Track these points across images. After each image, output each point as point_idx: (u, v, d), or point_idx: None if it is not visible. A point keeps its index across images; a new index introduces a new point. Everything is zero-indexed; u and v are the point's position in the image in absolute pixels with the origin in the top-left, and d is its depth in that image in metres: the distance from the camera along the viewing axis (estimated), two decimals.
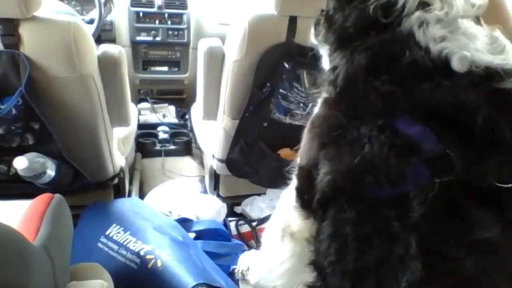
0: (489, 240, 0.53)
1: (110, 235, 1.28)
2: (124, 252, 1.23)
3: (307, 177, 0.70)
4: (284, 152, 1.52)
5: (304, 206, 0.73)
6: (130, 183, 1.88)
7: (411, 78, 0.58)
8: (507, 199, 0.54)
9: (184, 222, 1.45)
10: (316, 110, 0.73)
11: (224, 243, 1.46)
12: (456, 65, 0.56)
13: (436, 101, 0.56)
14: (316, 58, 0.81)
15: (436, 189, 0.53)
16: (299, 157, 0.76)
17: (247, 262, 1.07)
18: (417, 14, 0.60)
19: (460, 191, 0.54)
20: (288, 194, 0.78)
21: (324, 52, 0.76)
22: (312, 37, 0.80)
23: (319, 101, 0.72)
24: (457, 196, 0.54)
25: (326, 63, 0.76)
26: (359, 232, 0.58)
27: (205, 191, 1.85)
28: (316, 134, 0.68)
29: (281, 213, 0.80)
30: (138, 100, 2.19)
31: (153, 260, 1.17)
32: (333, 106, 0.66)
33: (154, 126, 2.41)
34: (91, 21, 1.78)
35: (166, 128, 2.39)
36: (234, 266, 1.45)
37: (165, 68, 2.13)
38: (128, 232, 1.28)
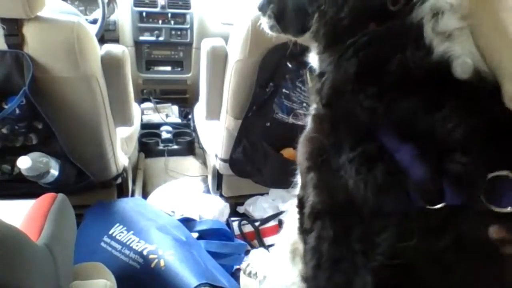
0: None
1: (113, 235, 1.29)
2: (127, 252, 1.23)
3: (302, 204, 0.68)
4: (287, 152, 1.52)
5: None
6: (133, 183, 1.89)
7: (397, 89, 0.50)
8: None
9: (187, 222, 1.46)
10: (308, 125, 0.69)
11: (227, 243, 1.46)
12: (458, 72, 0.48)
13: (418, 122, 0.49)
14: None
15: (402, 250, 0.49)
16: (299, 185, 0.74)
17: (258, 266, 1.06)
18: (432, 1, 0.51)
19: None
20: (294, 217, 0.77)
21: (313, 50, 0.69)
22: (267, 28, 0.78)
23: (310, 114, 0.68)
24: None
25: (315, 63, 0.71)
26: (331, 253, 0.56)
27: (208, 191, 1.85)
28: (304, 159, 0.65)
29: (289, 236, 0.78)
30: (141, 100, 2.19)
31: (156, 260, 1.18)
32: (318, 126, 0.62)
33: (157, 126, 2.42)
34: (94, 21, 1.78)
35: (169, 128, 2.40)
36: (237, 266, 1.45)
37: (168, 68, 2.13)
38: (131, 232, 1.28)
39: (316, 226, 0.60)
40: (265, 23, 0.80)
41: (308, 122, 0.68)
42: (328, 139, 0.58)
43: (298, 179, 0.75)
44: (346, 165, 0.54)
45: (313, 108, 0.66)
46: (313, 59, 0.70)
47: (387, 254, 0.51)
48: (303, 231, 0.68)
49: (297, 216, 0.72)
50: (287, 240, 0.78)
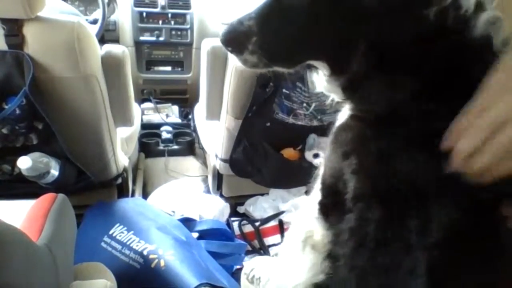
0: None
1: (114, 235, 1.29)
2: (127, 252, 1.23)
3: (330, 190, 0.66)
4: (287, 152, 1.52)
5: (327, 218, 0.69)
6: (134, 183, 1.89)
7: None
8: None
9: (187, 222, 1.46)
10: (339, 121, 0.66)
11: (227, 243, 1.46)
12: None
13: None
14: None
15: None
16: (322, 170, 0.70)
17: (262, 271, 1.04)
18: (488, 12, 0.51)
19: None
20: (309, 206, 0.75)
21: (334, 82, 0.62)
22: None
23: (343, 113, 0.66)
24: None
25: (323, 86, 0.66)
26: (379, 234, 0.55)
27: (208, 191, 1.85)
28: (341, 145, 0.62)
29: (301, 225, 0.77)
30: (141, 100, 2.19)
31: (156, 260, 1.18)
32: (359, 119, 0.60)
33: (157, 126, 2.42)
34: (94, 21, 1.79)
35: (169, 128, 2.40)
36: (238, 266, 1.45)
37: (169, 68, 2.13)
38: (132, 232, 1.29)
39: (356, 208, 0.57)
40: (241, 61, 0.64)
41: (342, 118, 0.65)
42: (372, 130, 0.57)
43: (321, 169, 0.72)
44: (401, 150, 0.53)
45: (349, 111, 0.63)
46: (330, 90, 0.65)
47: (444, 231, 0.50)
48: (328, 214, 0.67)
49: (318, 200, 0.70)
50: (301, 228, 0.76)
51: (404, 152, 0.53)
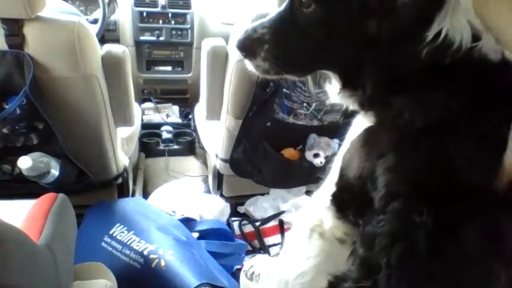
0: None
1: (114, 235, 1.29)
2: (127, 252, 1.23)
3: (351, 186, 0.64)
4: (287, 152, 1.52)
5: (340, 210, 0.68)
6: (134, 183, 1.89)
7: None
8: None
9: (188, 222, 1.46)
10: (360, 125, 0.65)
11: (227, 243, 1.46)
12: None
13: None
14: None
15: None
16: (344, 167, 0.69)
17: (262, 267, 1.03)
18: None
19: None
20: (319, 197, 0.75)
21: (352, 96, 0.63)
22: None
23: (359, 119, 0.66)
24: None
25: (336, 96, 0.67)
26: (434, 245, 0.50)
27: (208, 191, 1.85)
28: (373, 147, 0.61)
29: (310, 214, 0.76)
30: (141, 99, 2.19)
31: (157, 260, 1.18)
32: (393, 128, 0.59)
33: (158, 125, 2.42)
34: (95, 21, 1.79)
35: (170, 128, 2.40)
36: (238, 266, 1.45)
37: (169, 68, 2.13)
38: (132, 232, 1.28)
39: (393, 208, 0.54)
40: (253, 66, 0.67)
41: (366, 124, 0.64)
42: (411, 135, 0.56)
43: (337, 165, 0.72)
44: (455, 153, 0.52)
45: (373, 119, 0.63)
46: (345, 102, 0.67)
47: None
48: (343, 208, 0.66)
49: (332, 193, 0.69)
50: (308, 218, 0.76)
51: (459, 155, 0.52)
